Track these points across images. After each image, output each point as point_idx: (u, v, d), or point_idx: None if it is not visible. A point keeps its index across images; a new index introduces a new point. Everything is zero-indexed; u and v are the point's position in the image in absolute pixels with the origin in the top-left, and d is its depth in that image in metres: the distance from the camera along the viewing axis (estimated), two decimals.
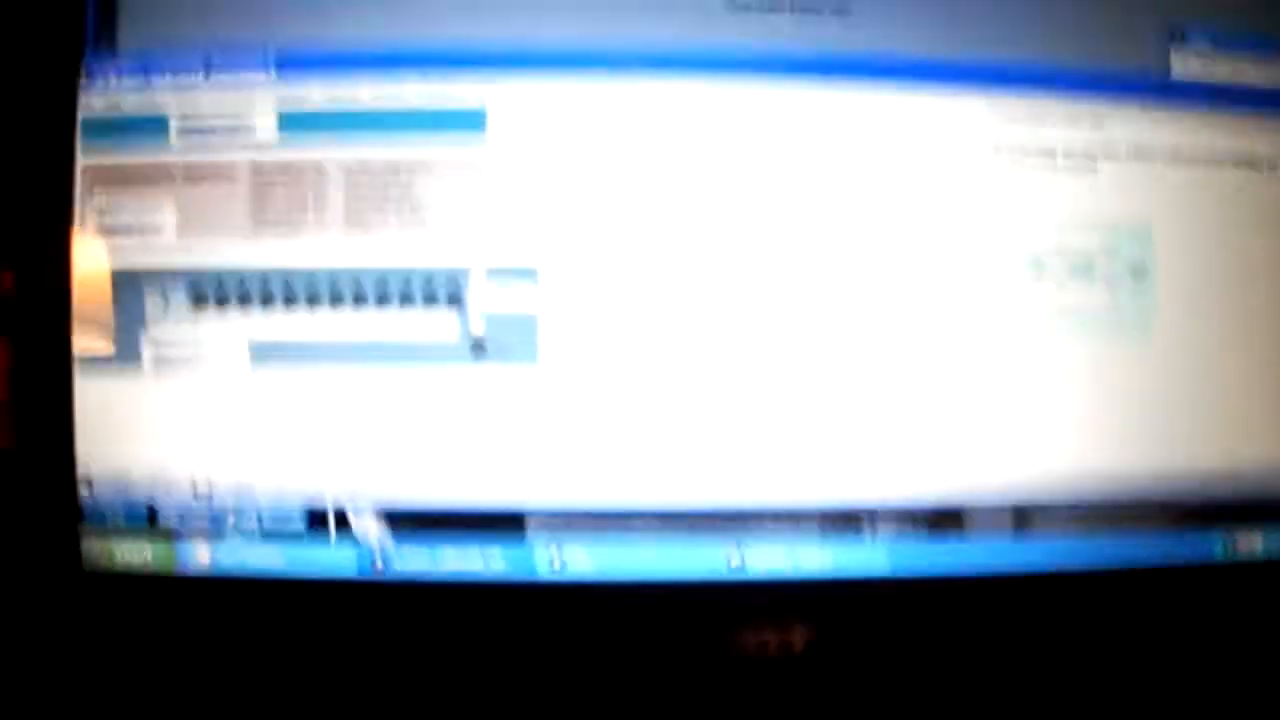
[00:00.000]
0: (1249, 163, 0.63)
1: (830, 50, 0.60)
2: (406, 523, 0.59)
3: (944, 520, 0.61)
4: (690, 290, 0.59)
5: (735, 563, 0.59)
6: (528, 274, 0.58)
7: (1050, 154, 0.61)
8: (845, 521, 0.60)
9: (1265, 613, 0.64)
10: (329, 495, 0.60)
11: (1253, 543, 0.64)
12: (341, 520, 0.59)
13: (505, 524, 0.59)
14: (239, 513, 0.60)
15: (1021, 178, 0.61)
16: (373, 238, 0.59)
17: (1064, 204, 0.62)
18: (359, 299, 0.58)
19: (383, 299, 0.58)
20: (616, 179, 0.60)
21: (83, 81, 0.60)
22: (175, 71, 0.60)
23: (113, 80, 0.60)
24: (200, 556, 0.59)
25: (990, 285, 0.62)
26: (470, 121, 0.59)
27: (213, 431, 0.61)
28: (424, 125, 0.59)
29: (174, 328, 0.59)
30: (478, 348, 0.58)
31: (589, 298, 0.58)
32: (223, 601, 0.61)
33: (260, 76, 0.60)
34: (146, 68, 0.59)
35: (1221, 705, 0.62)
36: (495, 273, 0.58)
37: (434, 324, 0.58)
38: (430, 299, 0.58)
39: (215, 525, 0.61)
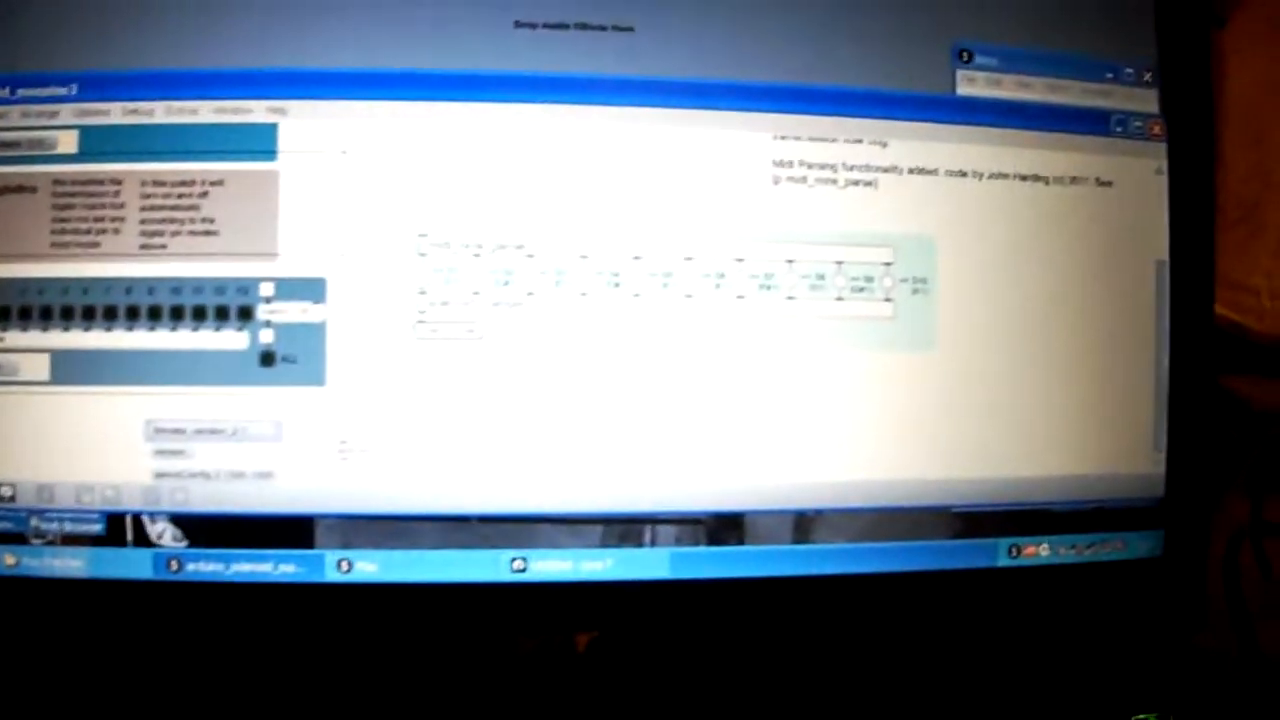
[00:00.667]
0: (1035, 177, 0.61)
1: (612, 72, 0.58)
2: (199, 527, 0.57)
3: (724, 526, 0.59)
4: (475, 301, 0.60)
5: (519, 566, 0.57)
6: (316, 285, 0.56)
7: (832, 170, 0.59)
8: (626, 527, 0.58)
9: (1047, 616, 0.61)
10: (126, 501, 0.56)
11: (1037, 550, 0.61)
12: (139, 525, 0.56)
13: (293, 528, 0.57)
14: (42, 517, 0.56)
15: (803, 194, 0.59)
16: (167, 250, 0.56)
17: (845, 219, 0.59)
18: (154, 310, 0.56)
19: (176, 310, 0.57)
20: (403, 197, 0.60)
21: None
22: None
23: None
24: (5, 559, 0.57)
25: (772, 298, 0.61)
26: (261, 138, 0.57)
27: (15, 439, 0.58)
28: (216, 141, 0.57)
29: None
30: (266, 357, 0.56)
31: (375, 309, 0.56)
32: (28, 601, 0.59)
33: (62, 92, 0.56)
34: None
35: (1001, 703, 0.60)
36: (284, 283, 0.56)
37: (224, 334, 0.56)
38: (221, 310, 0.57)
39: (19, 529, 0.58)
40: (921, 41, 0.62)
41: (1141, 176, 0.64)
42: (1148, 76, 0.65)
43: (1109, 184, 0.63)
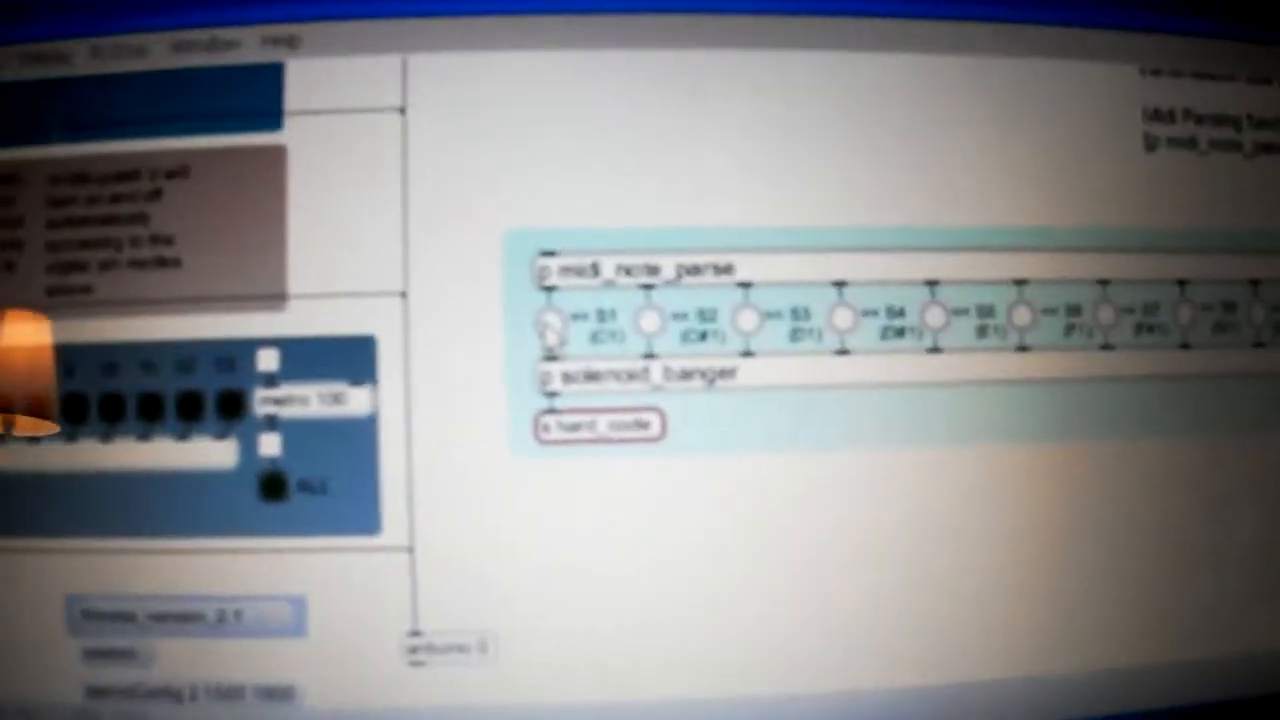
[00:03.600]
0: None
1: None
2: None
3: None
4: (648, 372, 0.24)
5: None
6: (358, 351, 0.16)
7: (1234, 128, 0.14)
8: None
9: None
10: None
11: None
12: None
13: None
14: None
15: (1192, 167, 0.16)
16: (92, 295, 0.20)
17: (1261, 210, 0.14)
18: (74, 403, 0.16)
19: (110, 402, 0.21)
20: (508, 186, 0.23)
21: None
22: None
23: None
24: None
25: (1155, 347, 0.24)
26: (255, 90, 0.19)
27: None
28: (176, 101, 0.18)
29: None
30: (271, 484, 0.14)
31: (465, 391, 0.13)
32: None
33: None
34: None
35: None
36: (299, 349, 0.16)
37: (196, 445, 0.20)
38: (188, 401, 0.20)
39: None
40: None
41: None
42: None
43: None
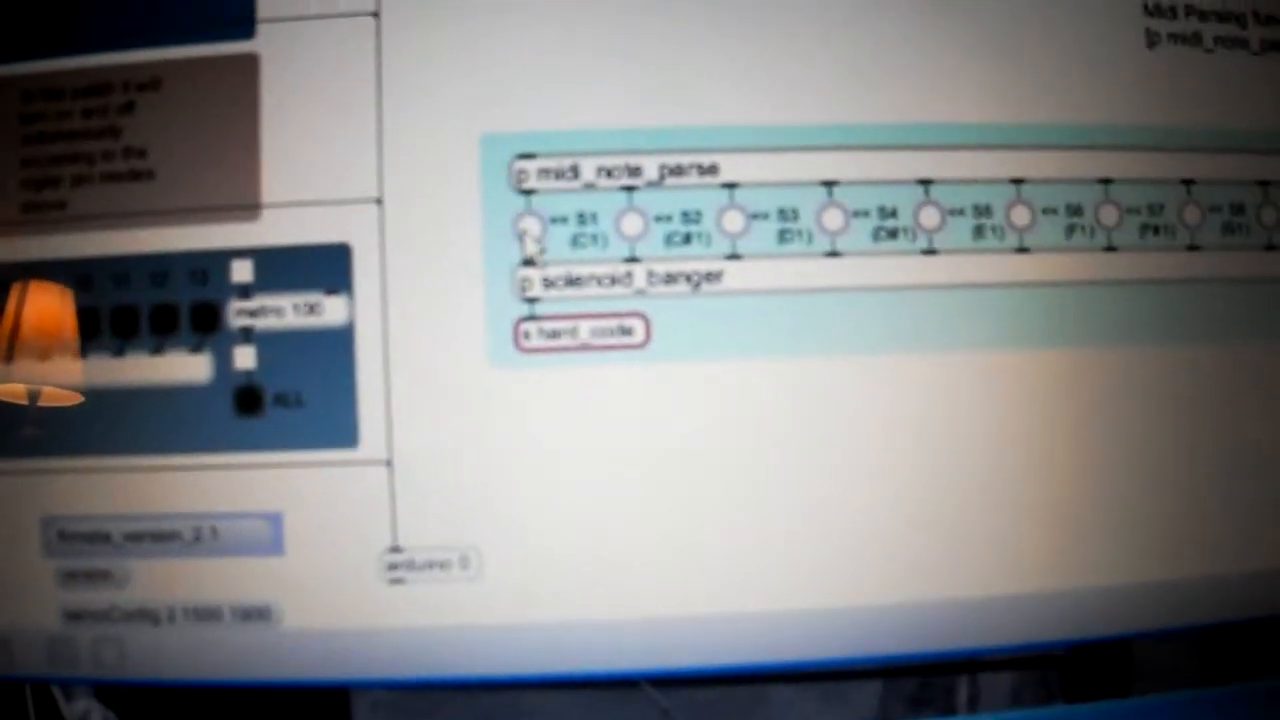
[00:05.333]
0: None
1: None
2: (145, 708, 0.12)
3: (1093, 663, 0.10)
4: (630, 278, 0.22)
5: None
6: (332, 260, 0.13)
7: (1238, 24, 0.12)
8: (923, 683, 0.10)
9: None
10: (21, 662, 0.21)
11: None
12: (46, 702, 0.13)
13: (311, 707, 0.09)
14: None
15: (1196, 65, 0.14)
16: (67, 210, 0.19)
17: (1270, 109, 0.11)
18: (50, 315, 0.11)
19: (86, 317, 0.16)
20: (485, 90, 0.22)
21: None
22: None
23: None
24: None
25: (1161, 249, 0.23)
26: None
27: None
28: (152, 9, 0.16)
29: None
30: (246, 397, 0.11)
31: (443, 298, 0.10)
32: None
33: None
34: None
35: None
36: (274, 258, 0.13)
37: (171, 359, 0.17)
38: (163, 314, 0.16)
39: None
40: None
41: None
42: None
43: None
